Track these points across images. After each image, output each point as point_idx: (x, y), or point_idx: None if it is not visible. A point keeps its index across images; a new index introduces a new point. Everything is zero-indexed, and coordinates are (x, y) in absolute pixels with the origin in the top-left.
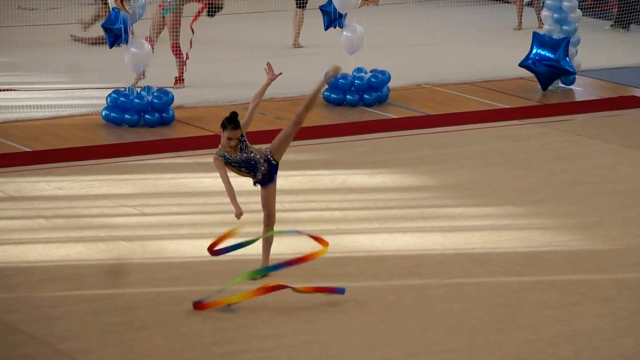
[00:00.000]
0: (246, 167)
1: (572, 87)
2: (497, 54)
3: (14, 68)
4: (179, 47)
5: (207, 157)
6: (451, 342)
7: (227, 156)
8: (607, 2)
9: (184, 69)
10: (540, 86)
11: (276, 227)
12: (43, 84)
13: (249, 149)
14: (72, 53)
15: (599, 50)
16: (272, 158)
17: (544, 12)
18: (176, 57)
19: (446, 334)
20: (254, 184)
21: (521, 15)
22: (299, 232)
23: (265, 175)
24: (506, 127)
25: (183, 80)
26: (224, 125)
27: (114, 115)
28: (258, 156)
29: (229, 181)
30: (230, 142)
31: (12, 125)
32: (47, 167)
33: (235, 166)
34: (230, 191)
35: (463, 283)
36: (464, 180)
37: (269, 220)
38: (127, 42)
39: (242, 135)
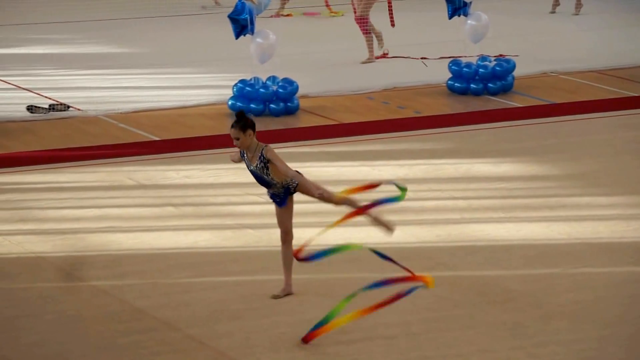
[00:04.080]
0: (256, 178)
1: None
2: (627, 41)
3: (145, 59)
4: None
5: (332, 146)
6: (578, 332)
7: (245, 158)
8: None
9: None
10: None
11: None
12: (171, 74)
13: (268, 172)
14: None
15: None
16: (292, 188)
17: None
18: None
19: (573, 324)
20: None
21: None
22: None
23: (277, 195)
24: (634, 116)
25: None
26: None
27: (240, 104)
28: (276, 181)
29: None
30: (235, 142)
31: (142, 115)
32: (176, 156)
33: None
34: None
35: (590, 273)
36: (590, 169)
37: (286, 237)
38: (253, 33)
39: (264, 157)
